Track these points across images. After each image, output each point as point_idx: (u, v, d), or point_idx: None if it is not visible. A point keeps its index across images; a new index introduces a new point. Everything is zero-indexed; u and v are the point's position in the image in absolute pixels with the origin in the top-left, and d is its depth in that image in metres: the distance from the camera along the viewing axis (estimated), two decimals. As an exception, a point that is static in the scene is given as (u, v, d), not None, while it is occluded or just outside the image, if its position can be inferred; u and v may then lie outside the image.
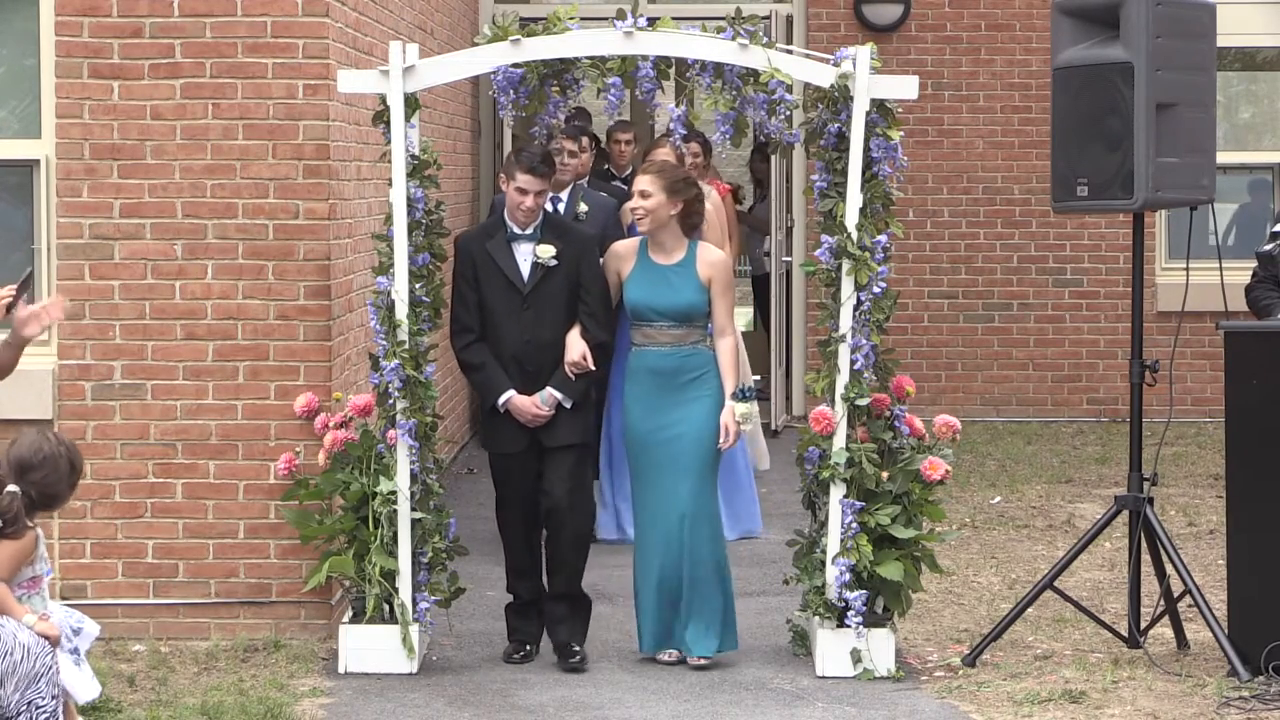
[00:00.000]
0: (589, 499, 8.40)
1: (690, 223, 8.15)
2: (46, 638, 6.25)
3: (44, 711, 6.20)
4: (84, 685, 6.56)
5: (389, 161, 8.11)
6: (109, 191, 8.52)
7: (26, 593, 6.40)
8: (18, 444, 6.46)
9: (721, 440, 8.03)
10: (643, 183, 8.10)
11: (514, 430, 8.15)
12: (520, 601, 8.40)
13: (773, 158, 14.83)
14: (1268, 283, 8.91)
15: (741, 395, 8.10)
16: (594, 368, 8.10)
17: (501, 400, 8.11)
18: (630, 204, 7.84)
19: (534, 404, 8.10)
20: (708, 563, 8.16)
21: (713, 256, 8.17)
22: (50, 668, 6.24)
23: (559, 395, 8.11)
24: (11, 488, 6.30)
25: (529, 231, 8.12)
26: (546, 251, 8.08)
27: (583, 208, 10.29)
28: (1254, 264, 9.16)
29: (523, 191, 8.02)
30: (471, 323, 8.15)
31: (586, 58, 8.15)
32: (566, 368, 8.08)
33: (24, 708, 6.17)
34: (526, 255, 8.11)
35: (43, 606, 6.42)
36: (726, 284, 8.18)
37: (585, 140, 11.48)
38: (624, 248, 8.28)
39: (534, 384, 8.11)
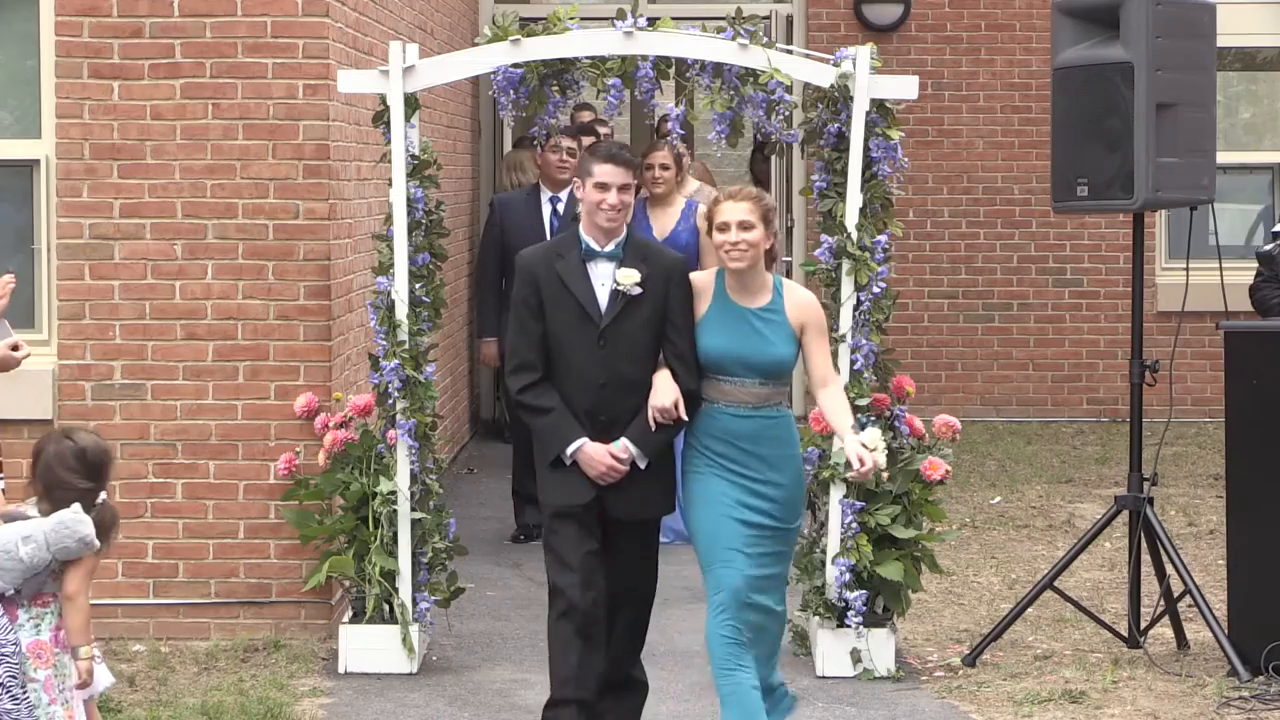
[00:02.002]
0: (655, 572, 7.10)
1: (770, 256, 6.87)
2: (85, 682, 6.10)
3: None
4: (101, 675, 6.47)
5: (389, 161, 8.10)
6: (109, 191, 8.52)
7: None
8: (78, 441, 6.06)
9: (857, 469, 6.65)
10: (738, 211, 6.72)
11: (582, 482, 6.80)
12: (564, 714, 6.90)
13: (772, 158, 14.83)
14: (1273, 282, 8.92)
15: (861, 427, 7.14)
16: (685, 418, 6.72)
17: (571, 449, 6.75)
18: (723, 238, 6.61)
19: (609, 453, 6.76)
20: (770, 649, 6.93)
21: (802, 297, 6.85)
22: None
23: (634, 450, 6.76)
24: (103, 497, 5.98)
25: (609, 249, 6.80)
26: (629, 277, 6.76)
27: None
28: (1254, 264, 9.17)
29: (603, 187, 6.76)
30: (534, 359, 6.81)
31: (586, 58, 8.15)
32: (652, 415, 6.72)
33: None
34: (605, 279, 6.80)
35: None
36: (822, 326, 6.87)
37: (589, 140, 11.49)
38: (699, 280, 6.89)
39: (606, 438, 6.77)
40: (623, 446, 6.74)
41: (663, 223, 10.35)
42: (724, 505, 6.68)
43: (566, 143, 10.66)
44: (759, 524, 6.67)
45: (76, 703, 6.10)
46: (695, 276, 6.90)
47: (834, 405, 6.86)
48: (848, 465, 6.94)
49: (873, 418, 7.28)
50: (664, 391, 6.72)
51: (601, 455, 6.74)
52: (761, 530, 6.69)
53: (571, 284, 6.80)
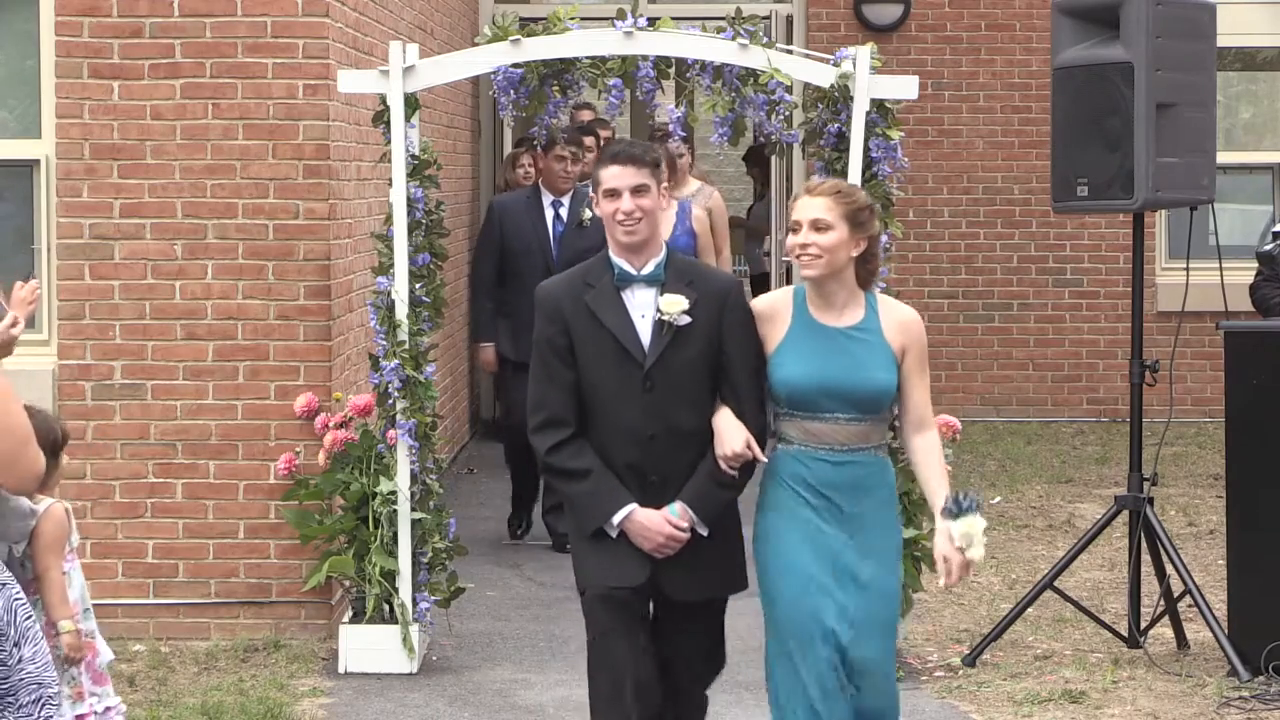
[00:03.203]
0: (723, 659, 6.14)
1: (868, 269, 5.71)
2: (70, 656, 6.20)
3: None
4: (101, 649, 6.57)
5: (389, 161, 8.10)
6: (109, 191, 8.52)
7: (70, 563, 6.40)
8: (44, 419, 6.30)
9: (943, 579, 5.53)
10: (813, 208, 5.61)
11: (632, 557, 5.70)
12: None
13: (772, 158, 14.83)
14: (1273, 282, 8.92)
15: (958, 508, 5.53)
16: (763, 459, 5.67)
17: (619, 518, 5.65)
18: (793, 240, 5.56)
19: (666, 519, 5.65)
20: None
21: (904, 315, 5.74)
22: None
23: (694, 515, 5.66)
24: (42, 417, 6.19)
25: (646, 271, 5.72)
26: (675, 304, 5.67)
27: (586, 214, 10.13)
28: (1254, 264, 9.16)
29: (613, 194, 5.73)
30: (565, 412, 5.71)
31: (586, 58, 8.15)
32: (722, 463, 5.62)
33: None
34: (645, 309, 5.72)
35: (78, 576, 6.44)
36: (924, 352, 5.74)
37: (591, 140, 11.44)
38: (772, 302, 5.77)
39: (657, 502, 5.69)
40: (681, 511, 5.63)
41: (665, 229, 10.28)
42: (812, 574, 5.56)
43: (570, 153, 10.45)
44: (850, 602, 5.56)
45: (84, 679, 6.19)
46: (768, 297, 5.81)
47: (927, 461, 5.71)
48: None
49: (974, 497, 5.60)
50: (731, 433, 5.60)
51: (657, 523, 5.62)
52: (852, 610, 5.55)
53: (606, 317, 5.69)
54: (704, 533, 5.66)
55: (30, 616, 6.07)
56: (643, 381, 5.67)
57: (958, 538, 5.46)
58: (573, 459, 5.70)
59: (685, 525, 5.63)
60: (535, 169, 11.36)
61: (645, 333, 5.70)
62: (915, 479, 6.93)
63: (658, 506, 5.64)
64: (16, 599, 6.02)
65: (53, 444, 6.35)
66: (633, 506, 5.64)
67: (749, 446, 5.59)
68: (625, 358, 5.68)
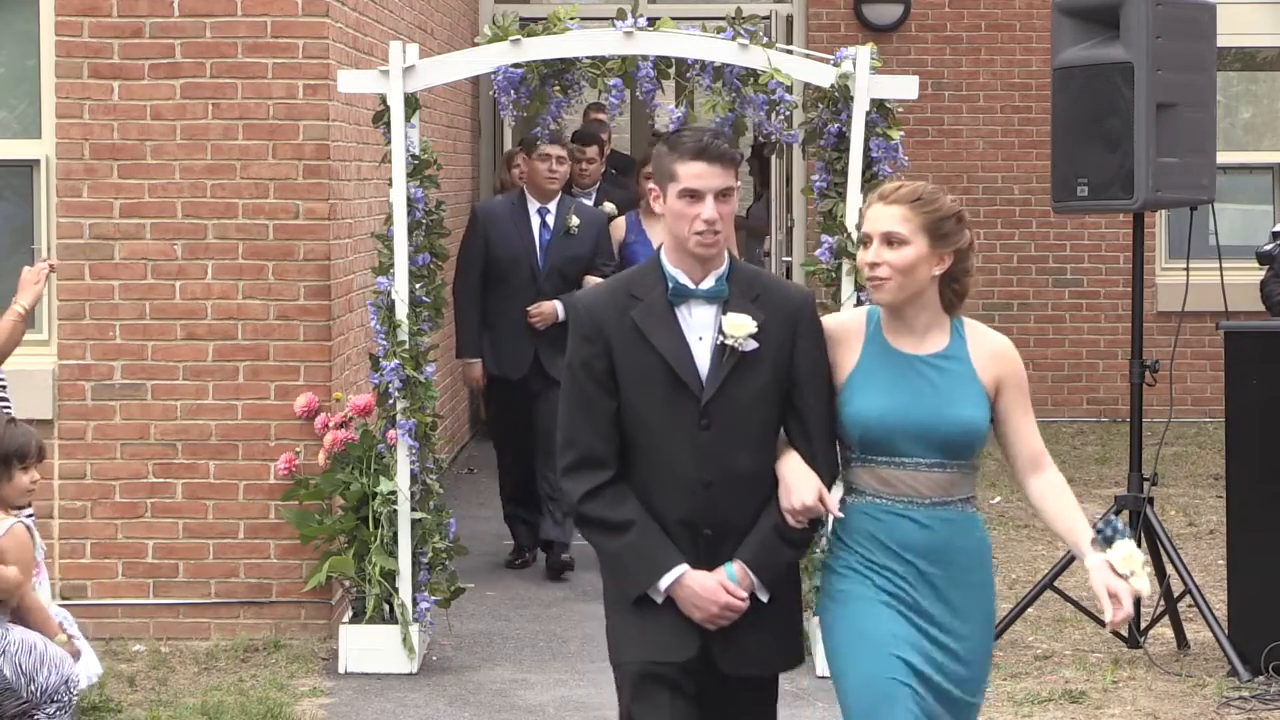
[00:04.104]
0: None
1: (956, 289, 4.84)
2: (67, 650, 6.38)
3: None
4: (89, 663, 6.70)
5: (389, 162, 8.10)
6: (109, 191, 8.52)
7: (34, 580, 6.49)
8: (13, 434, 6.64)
9: (1110, 614, 4.60)
10: (885, 218, 4.75)
11: (678, 630, 4.80)
12: None
13: (772, 158, 14.83)
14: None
15: (1108, 536, 4.71)
16: (838, 514, 4.79)
17: (667, 582, 4.76)
18: (862, 257, 4.76)
19: (722, 585, 4.75)
20: None
21: (996, 344, 4.89)
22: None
23: (754, 577, 4.78)
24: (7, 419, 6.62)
25: (708, 285, 4.80)
26: (741, 327, 4.75)
27: (574, 221, 9.75)
28: (1254, 264, 9.17)
29: (693, 196, 4.75)
30: (604, 451, 4.80)
31: (587, 58, 8.15)
32: (789, 517, 4.73)
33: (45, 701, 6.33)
34: (704, 330, 4.79)
35: (44, 592, 6.55)
36: (1023, 386, 4.89)
37: (594, 149, 11.35)
38: (843, 322, 4.90)
39: (710, 558, 4.78)
40: (740, 572, 4.75)
41: (661, 236, 10.04)
42: (891, 644, 4.69)
43: (556, 151, 9.74)
44: (937, 687, 4.70)
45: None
46: (838, 317, 4.97)
47: (1058, 504, 4.81)
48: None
49: (1116, 519, 4.85)
50: (800, 482, 4.71)
51: (712, 590, 4.73)
52: (939, 697, 4.71)
53: (656, 338, 4.76)
54: (764, 598, 4.78)
55: (32, 650, 6.19)
56: (699, 417, 4.73)
57: (1119, 564, 4.63)
58: (611, 508, 4.77)
59: (745, 593, 4.74)
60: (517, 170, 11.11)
61: (703, 358, 4.75)
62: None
63: (710, 565, 4.74)
64: (14, 652, 6.19)
65: (18, 454, 6.44)
66: (683, 569, 4.73)
67: (821, 499, 4.69)
68: (678, 388, 4.74)
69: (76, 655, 6.54)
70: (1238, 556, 8.00)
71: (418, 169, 8.12)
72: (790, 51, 8.56)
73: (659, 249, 4.88)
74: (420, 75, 8.11)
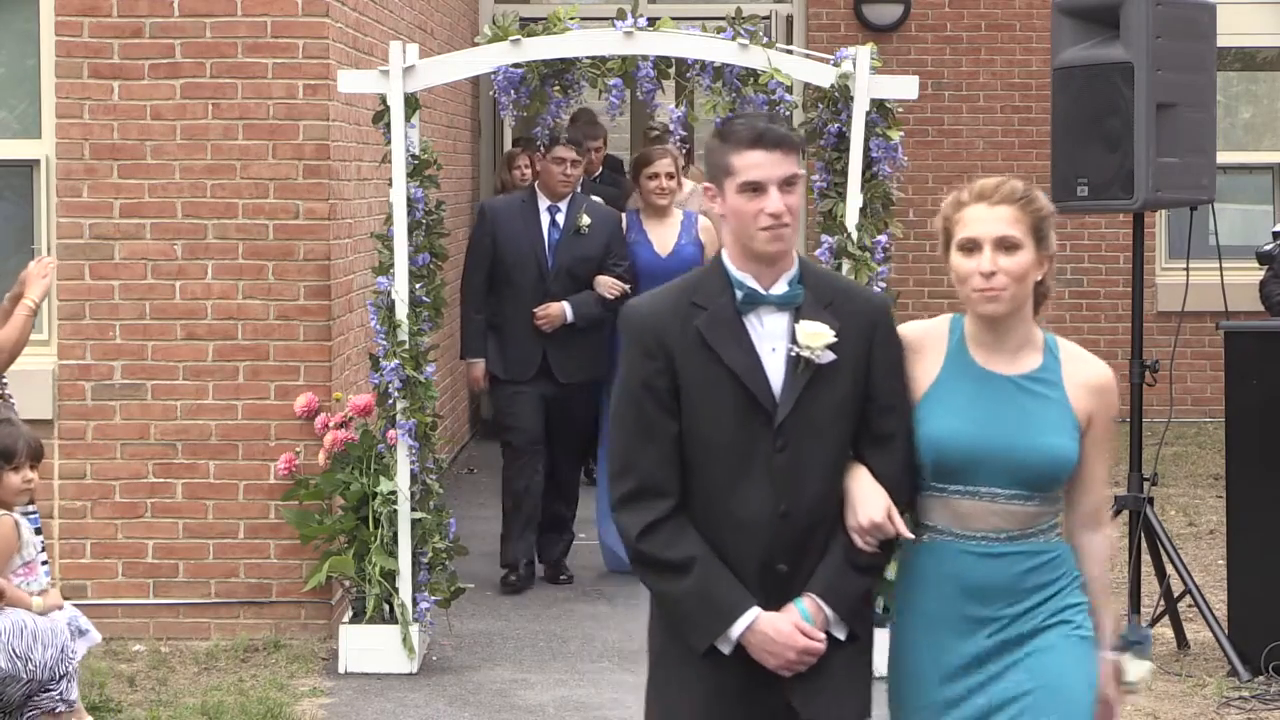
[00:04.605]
0: None
1: (1039, 294, 4.42)
2: (50, 609, 6.40)
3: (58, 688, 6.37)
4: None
5: (389, 162, 8.10)
6: (109, 191, 8.52)
7: (24, 579, 6.48)
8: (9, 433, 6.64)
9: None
10: (996, 221, 4.29)
11: (748, 681, 4.29)
12: None
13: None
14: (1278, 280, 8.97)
15: (1138, 645, 4.40)
16: (907, 534, 4.28)
17: (740, 628, 4.22)
18: (969, 265, 4.29)
19: (798, 628, 4.23)
20: None
21: (1096, 374, 4.36)
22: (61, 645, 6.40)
23: (829, 611, 4.27)
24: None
25: (780, 290, 4.30)
26: (818, 336, 4.26)
27: (585, 221, 9.54)
28: (1254, 264, 9.17)
29: (756, 190, 4.24)
30: (664, 479, 4.27)
31: (587, 58, 8.15)
32: (856, 536, 4.25)
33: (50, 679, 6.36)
34: (776, 340, 4.29)
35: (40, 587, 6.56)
36: (1111, 426, 4.38)
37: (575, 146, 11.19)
38: (922, 332, 4.43)
39: (781, 596, 4.27)
40: (813, 610, 4.23)
41: (663, 238, 9.72)
42: (962, 694, 4.27)
43: (570, 154, 9.50)
44: None
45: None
46: (917, 326, 4.46)
47: (1096, 575, 4.36)
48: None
49: (1149, 631, 4.75)
50: (867, 499, 4.24)
51: (788, 634, 4.21)
52: None
53: (725, 350, 4.25)
54: (841, 635, 4.26)
55: (22, 632, 6.22)
56: (773, 439, 4.22)
57: (1129, 673, 4.32)
58: (670, 545, 4.23)
59: (822, 634, 4.22)
60: (532, 171, 10.94)
61: (776, 373, 4.25)
62: None
63: (780, 605, 4.22)
64: (6, 640, 6.23)
65: (5, 454, 6.45)
66: (755, 613, 4.19)
67: (890, 517, 4.21)
68: (750, 407, 4.22)
69: (58, 604, 6.56)
70: (1238, 556, 8.00)
71: (418, 169, 8.12)
72: (790, 51, 8.56)
73: (719, 252, 4.37)
74: (420, 75, 8.11)
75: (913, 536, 4.26)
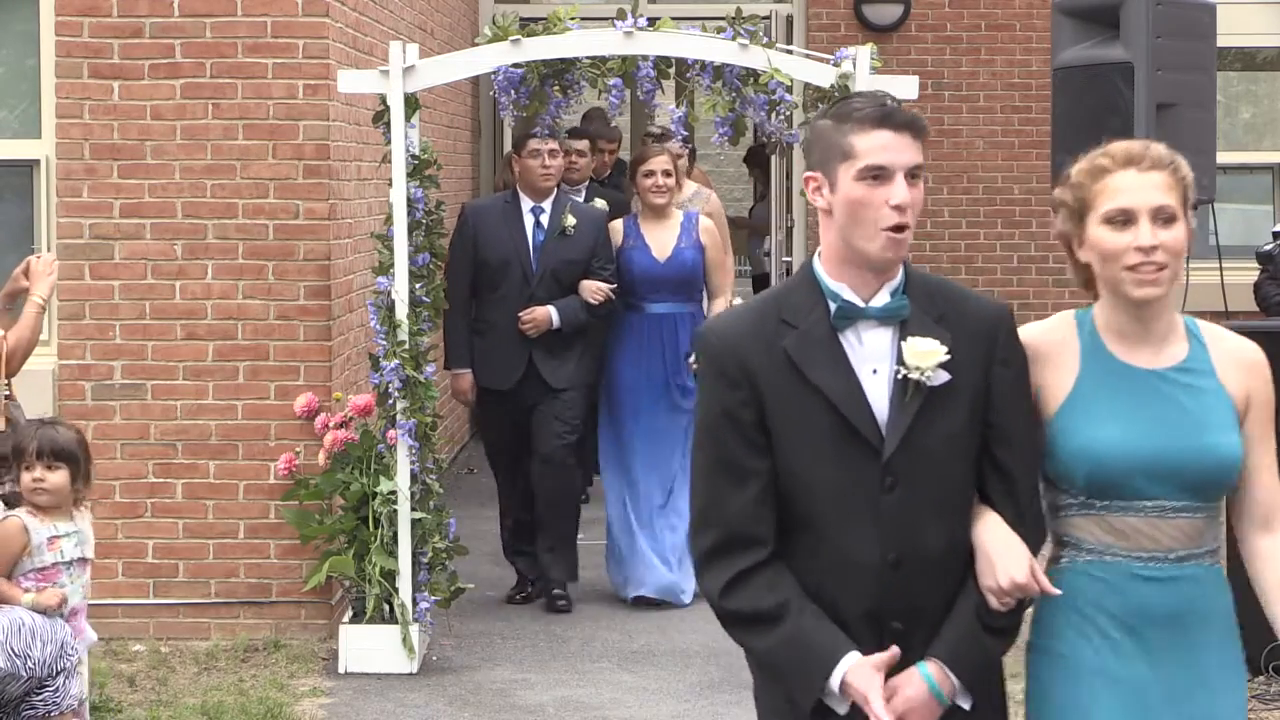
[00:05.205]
0: None
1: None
2: (46, 608, 6.37)
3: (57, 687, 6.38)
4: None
5: (389, 162, 8.10)
6: (109, 191, 8.52)
7: (35, 584, 6.47)
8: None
9: None
10: (1151, 189, 3.84)
11: None
12: None
13: (772, 158, 14.83)
14: (1277, 280, 8.96)
15: None
16: (1054, 591, 3.70)
17: (838, 676, 3.62)
18: (1123, 241, 3.76)
19: (921, 689, 3.67)
20: None
21: (1245, 351, 3.90)
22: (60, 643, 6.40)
23: (954, 680, 3.70)
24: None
25: (885, 303, 3.72)
26: (930, 354, 3.68)
27: (570, 221, 9.12)
28: (1254, 264, 9.17)
29: (880, 176, 3.67)
30: (755, 524, 3.70)
31: (587, 58, 8.16)
32: (992, 598, 3.67)
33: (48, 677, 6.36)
34: (878, 360, 3.71)
35: (76, 596, 6.54)
36: (1270, 405, 3.88)
37: (584, 143, 11.09)
38: (1046, 334, 3.90)
39: (901, 658, 3.67)
40: (939, 675, 3.67)
41: (661, 241, 9.25)
42: None
43: (547, 145, 9.05)
44: None
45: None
46: (1039, 329, 3.92)
47: (1274, 582, 4.06)
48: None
49: None
50: (1007, 554, 3.65)
51: (914, 696, 3.65)
52: None
53: (819, 374, 3.67)
54: (966, 705, 3.73)
55: (20, 629, 6.24)
56: (881, 477, 3.66)
57: None
58: (762, 595, 3.66)
59: (948, 695, 3.68)
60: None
61: (880, 399, 3.67)
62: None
63: (899, 668, 3.66)
64: (4, 639, 6.24)
65: (15, 453, 6.46)
66: (854, 657, 3.62)
67: (1033, 574, 3.64)
68: (850, 439, 3.66)
69: (63, 601, 6.52)
70: (1238, 556, 7.99)
71: (418, 169, 8.12)
72: (790, 51, 8.57)
73: (812, 257, 3.78)
74: (420, 75, 8.11)
75: (1057, 592, 3.70)
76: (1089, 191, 3.80)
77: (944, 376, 3.65)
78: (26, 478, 6.53)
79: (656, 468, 9.21)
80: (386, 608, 8.14)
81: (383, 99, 8.08)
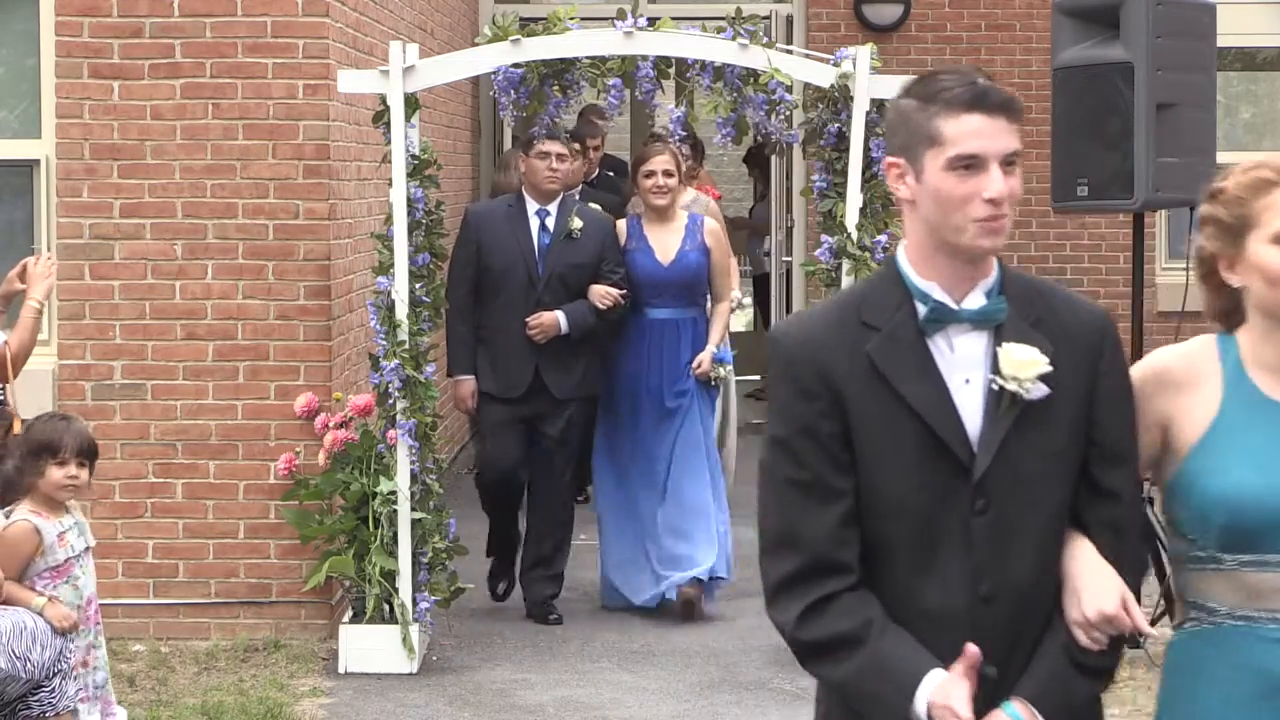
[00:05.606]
0: None
1: None
2: (58, 625, 6.37)
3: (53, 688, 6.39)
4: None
5: (389, 162, 8.10)
6: (109, 191, 8.52)
7: (50, 583, 6.47)
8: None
9: None
10: None
11: None
12: None
13: (772, 158, 14.83)
14: None
15: None
16: (1149, 631, 3.37)
17: (923, 699, 3.25)
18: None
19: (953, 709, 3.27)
20: None
21: None
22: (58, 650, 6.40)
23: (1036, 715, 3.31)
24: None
25: (979, 305, 3.36)
26: (1030, 364, 3.32)
27: (576, 224, 8.89)
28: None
29: (972, 165, 3.29)
30: (837, 549, 3.33)
31: (586, 58, 8.16)
32: (1081, 633, 3.31)
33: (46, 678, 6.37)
34: (970, 368, 3.35)
35: (74, 596, 6.53)
36: None
37: (580, 143, 10.97)
38: (1183, 358, 3.55)
39: (991, 703, 3.29)
40: (1026, 714, 3.29)
41: (664, 244, 9.03)
42: None
43: (556, 148, 8.86)
44: None
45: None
46: (1176, 352, 3.57)
47: None
48: None
49: None
50: (1097, 582, 3.31)
51: (942, 707, 3.24)
52: None
53: (906, 384, 3.32)
54: None
55: (22, 632, 6.25)
56: (971, 498, 3.31)
57: None
58: (838, 621, 3.31)
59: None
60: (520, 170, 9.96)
61: (971, 412, 3.32)
62: None
63: (988, 696, 3.29)
64: (6, 641, 6.24)
65: (49, 448, 6.44)
66: (936, 676, 3.24)
67: (1126, 607, 3.28)
68: (938, 457, 3.31)
69: (73, 624, 6.51)
70: None
71: (418, 169, 8.12)
72: (790, 51, 8.57)
73: (897, 251, 3.43)
74: (420, 75, 8.11)
75: (1154, 633, 3.36)
76: (1252, 207, 3.38)
77: (1043, 390, 3.29)
78: (59, 474, 6.49)
79: (650, 475, 9.06)
80: (386, 608, 8.14)
81: (383, 99, 8.08)
